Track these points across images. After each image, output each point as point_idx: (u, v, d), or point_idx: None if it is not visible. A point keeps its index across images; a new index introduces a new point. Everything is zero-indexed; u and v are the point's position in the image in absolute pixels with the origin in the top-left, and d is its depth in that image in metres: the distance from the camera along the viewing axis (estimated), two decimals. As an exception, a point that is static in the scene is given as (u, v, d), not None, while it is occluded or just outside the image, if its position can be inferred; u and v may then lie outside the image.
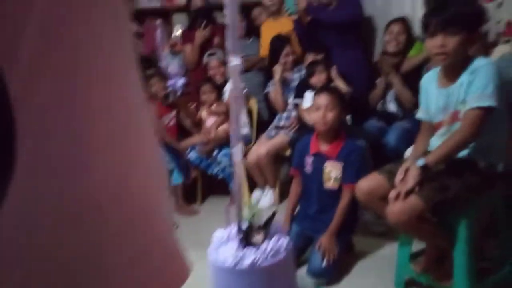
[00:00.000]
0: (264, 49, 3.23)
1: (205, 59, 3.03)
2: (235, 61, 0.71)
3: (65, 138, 0.33)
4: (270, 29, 3.19)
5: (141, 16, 3.45)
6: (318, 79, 2.57)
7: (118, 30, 0.39)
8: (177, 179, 2.81)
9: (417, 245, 1.73)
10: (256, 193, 2.86)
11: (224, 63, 2.97)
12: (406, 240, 1.67)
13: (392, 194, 1.43)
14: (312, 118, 1.92)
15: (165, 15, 3.53)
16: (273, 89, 2.92)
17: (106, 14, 0.37)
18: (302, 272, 1.86)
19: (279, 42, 2.94)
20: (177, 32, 3.45)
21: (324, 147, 1.94)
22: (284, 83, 2.92)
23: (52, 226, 0.33)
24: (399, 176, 1.50)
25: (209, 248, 0.93)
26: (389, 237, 2.05)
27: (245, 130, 2.97)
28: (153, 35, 3.45)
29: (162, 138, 2.95)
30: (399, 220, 1.40)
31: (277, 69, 2.85)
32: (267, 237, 0.90)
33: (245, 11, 3.46)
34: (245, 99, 3.07)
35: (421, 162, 1.42)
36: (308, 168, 1.98)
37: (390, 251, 1.93)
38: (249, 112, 3.12)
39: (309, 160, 1.97)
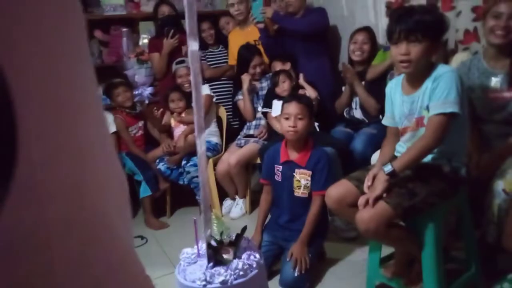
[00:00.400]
0: (232, 58, 3.22)
1: (174, 67, 2.98)
2: (193, 46, 0.69)
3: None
4: (237, 37, 3.19)
5: (107, 24, 3.36)
6: (282, 88, 2.59)
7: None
8: (145, 191, 2.73)
9: (386, 250, 1.75)
10: (227, 203, 2.83)
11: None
12: (375, 245, 1.68)
13: (361, 201, 1.45)
14: (282, 126, 1.91)
15: (131, 23, 3.44)
16: (242, 98, 2.91)
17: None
18: (274, 283, 1.84)
19: (247, 52, 2.95)
20: (144, 40, 3.38)
21: (293, 155, 1.93)
22: (253, 91, 2.92)
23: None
24: (367, 183, 1.52)
25: (176, 268, 0.89)
26: (360, 243, 2.07)
27: (214, 139, 2.94)
28: (119, 43, 3.36)
29: (129, 149, 2.87)
30: (369, 227, 1.41)
31: (245, 78, 2.85)
32: (238, 254, 0.87)
33: (213, 20, 3.45)
34: (214, 108, 3.05)
35: (388, 168, 1.44)
36: (278, 176, 1.97)
37: (361, 256, 1.95)
38: (219, 121, 3.10)
39: (279, 168, 1.96)
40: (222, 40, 3.43)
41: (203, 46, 3.35)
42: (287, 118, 1.87)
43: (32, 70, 0.30)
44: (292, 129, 1.84)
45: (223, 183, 2.73)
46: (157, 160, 2.78)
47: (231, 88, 3.25)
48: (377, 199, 1.42)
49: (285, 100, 1.97)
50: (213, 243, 0.88)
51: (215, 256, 0.86)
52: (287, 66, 2.79)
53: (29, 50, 0.29)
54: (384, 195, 1.43)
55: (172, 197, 2.87)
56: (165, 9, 3.16)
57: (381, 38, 2.68)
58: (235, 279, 0.81)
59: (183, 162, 2.72)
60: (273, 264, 1.94)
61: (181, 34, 3.17)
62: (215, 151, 2.87)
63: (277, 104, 2.56)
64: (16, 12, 0.28)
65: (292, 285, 1.79)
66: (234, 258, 0.86)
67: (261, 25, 2.97)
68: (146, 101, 3.27)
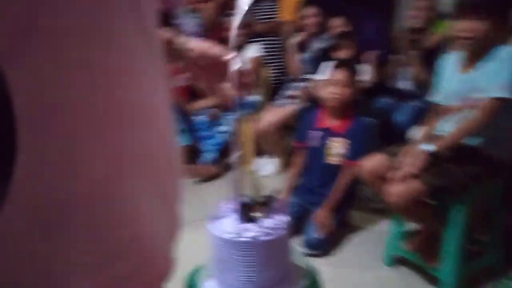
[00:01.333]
0: (285, 12, 3.14)
1: (223, 19, 2.97)
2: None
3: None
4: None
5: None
6: (343, 53, 2.50)
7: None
8: (183, 141, 2.85)
9: (410, 224, 1.77)
10: (261, 160, 2.90)
11: (243, 24, 2.91)
12: (399, 218, 1.71)
13: (395, 175, 1.46)
14: (326, 92, 1.90)
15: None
16: (291, 54, 2.88)
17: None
18: (297, 242, 1.93)
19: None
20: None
21: (332, 123, 1.94)
22: (304, 49, 2.85)
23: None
24: (404, 159, 1.51)
25: (210, 219, 0.97)
26: (385, 214, 2.10)
27: (255, 96, 2.97)
28: (169, -9, 3.36)
29: (172, 98, 2.96)
30: (397, 202, 1.43)
31: (298, 33, 2.79)
32: (268, 214, 0.93)
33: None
34: (260, 65, 3.04)
35: (429, 147, 1.42)
36: (313, 142, 1.99)
37: (385, 228, 1.98)
38: (262, 79, 3.10)
39: (314, 134, 1.98)
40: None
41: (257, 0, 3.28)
42: (332, 84, 1.86)
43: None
44: (337, 96, 1.83)
45: (261, 140, 2.78)
46: (200, 111, 2.87)
47: (279, 45, 3.20)
48: (411, 176, 1.43)
49: (336, 65, 1.94)
50: (247, 200, 0.95)
51: (247, 213, 0.92)
52: (347, 26, 2.67)
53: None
54: (419, 173, 1.43)
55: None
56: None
57: (445, 7, 2.51)
58: (263, 236, 0.88)
59: (223, 114, 2.79)
60: (298, 225, 2.02)
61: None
62: (254, 108, 2.90)
63: (326, 67, 2.52)
64: None
65: (313, 247, 1.87)
66: (265, 217, 0.92)
67: None
68: (193, 52, 3.30)
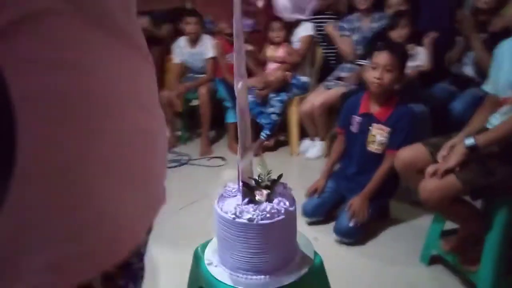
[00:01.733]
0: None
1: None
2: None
3: None
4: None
5: None
6: (398, 33, 2.35)
7: None
8: (231, 118, 2.89)
9: (451, 223, 1.65)
10: (306, 142, 2.86)
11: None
12: (440, 216, 1.60)
13: (430, 169, 1.36)
14: (367, 76, 1.81)
15: None
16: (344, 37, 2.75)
17: None
18: (329, 228, 1.90)
19: None
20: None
21: (374, 109, 1.84)
22: (358, 30, 2.72)
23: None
24: (442, 152, 1.40)
25: (216, 198, 0.99)
26: (428, 209, 1.97)
27: (303, 77, 2.91)
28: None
29: (223, 75, 3.01)
30: (430, 198, 1.34)
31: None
32: (271, 198, 0.93)
33: None
34: (311, 44, 2.96)
35: (470, 141, 1.30)
36: (354, 127, 1.91)
37: (425, 223, 1.86)
38: (313, 58, 3.02)
39: (356, 119, 1.90)
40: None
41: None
42: (374, 68, 1.76)
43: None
44: (377, 81, 1.73)
45: (305, 122, 2.74)
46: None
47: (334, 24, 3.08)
48: (448, 171, 1.32)
49: (377, 48, 1.83)
50: (251, 182, 0.95)
51: (249, 195, 0.93)
52: (404, 5, 2.50)
53: None
54: (457, 168, 1.32)
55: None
56: None
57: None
58: (261, 219, 0.88)
59: (271, 95, 2.78)
60: (333, 210, 1.98)
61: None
62: (302, 89, 2.85)
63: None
64: None
65: (344, 234, 1.83)
66: (267, 200, 0.92)
67: None
68: (248, 29, 3.30)
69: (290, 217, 0.93)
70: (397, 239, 1.87)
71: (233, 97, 3.01)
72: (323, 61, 3.03)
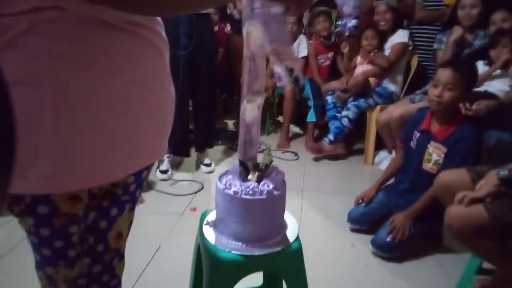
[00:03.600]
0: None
1: (374, 3, 2.89)
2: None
3: None
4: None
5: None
6: (499, 52, 2.16)
7: None
8: (311, 117, 3.00)
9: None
10: (382, 153, 2.80)
11: (392, 9, 2.79)
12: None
13: (460, 195, 1.30)
14: (429, 93, 1.74)
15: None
16: (444, 48, 2.61)
17: None
18: (367, 239, 1.89)
19: None
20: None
21: (434, 126, 1.76)
22: (460, 45, 2.55)
23: None
24: (482, 181, 1.32)
25: (222, 173, 1.16)
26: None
27: (392, 87, 2.84)
28: (339, -29, 3.42)
29: (312, 75, 3.12)
30: (453, 224, 1.28)
31: (457, 29, 2.51)
32: (261, 179, 1.07)
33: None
34: (407, 55, 2.87)
35: (503, 172, 1.21)
36: (413, 143, 1.86)
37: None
38: (407, 69, 2.92)
39: (416, 135, 1.84)
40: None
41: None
42: (435, 85, 1.68)
43: None
44: (436, 99, 1.66)
45: (381, 133, 2.69)
46: (329, 92, 2.95)
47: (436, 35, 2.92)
48: (476, 200, 1.25)
49: (441, 64, 1.74)
50: (249, 164, 1.10)
51: (243, 174, 1.08)
52: (509, 22, 2.28)
53: None
54: (488, 199, 1.24)
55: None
56: None
57: None
58: (244, 194, 1.02)
59: (350, 99, 2.79)
60: (378, 222, 1.96)
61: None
62: (386, 99, 2.79)
63: (479, 67, 2.21)
64: None
65: (379, 247, 1.80)
66: (256, 181, 1.06)
67: None
68: (347, 33, 3.33)
69: (272, 198, 1.04)
70: (438, 266, 1.77)
71: (316, 97, 3.13)
72: (419, 71, 2.90)
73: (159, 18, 0.72)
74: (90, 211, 0.73)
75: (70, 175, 0.62)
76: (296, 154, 2.98)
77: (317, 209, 2.25)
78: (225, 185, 1.05)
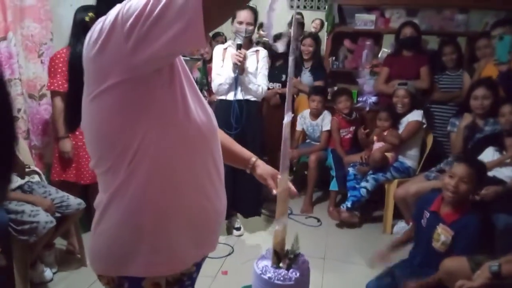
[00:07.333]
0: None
1: (395, 86, 3.20)
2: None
3: None
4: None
5: (356, 35, 3.87)
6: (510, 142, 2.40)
7: None
8: (334, 186, 3.26)
9: None
10: (400, 224, 3.00)
11: (411, 95, 3.10)
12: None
13: (459, 283, 1.50)
14: (444, 181, 1.98)
15: (377, 35, 3.81)
16: (456, 131, 2.88)
17: None
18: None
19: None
20: (383, 54, 3.70)
21: (443, 209, 1.98)
22: (472, 130, 2.80)
23: None
24: (478, 272, 1.52)
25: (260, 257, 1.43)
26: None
27: (409, 162, 3.08)
28: (361, 53, 3.82)
29: (335, 146, 3.42)
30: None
31: (467, 116, 2.78)
32: (290, 266, 1.34)
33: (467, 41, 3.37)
34: (422, 133, 3.13)
35: (495, 267, 1.42)
36: (424, 221, 2.08)
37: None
38: (424, 145, 3.17)
39: (426, 215, 2.06)
40: (463, 63, 3.33)
41: (442, 68, 3.34)
42: (451, 177, 1.92)
43: None
44: (452, 189, 1.88)
45: (399, 205, 2.90)
46: (351, 164, 3.22)
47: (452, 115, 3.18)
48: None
49: (457, 159, 1.99)
50: (281, 252, 1.38)
51: (276, 261, 1.36)
52: None
53: None
54: (483, 291, 1.43)
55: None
56: (407, 31, 3.33)
57: None
58: (277, 280, 1.29)
59: (369, 172, 3.05)
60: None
61: (419, 54, 3.32)
62: (404, 173, 3.03)
63: (489, 152, 2.42)
64: None
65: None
66: (286, 268, 1.33)
67: (503, 68, 2.72)
68: (367, 108, 3.66)
69: (298, 283, 1.31)
70: None
71: (338, 168, 3.40)
72: (435, 146, 3.15)
73: None
74: None
75: (156, 264, 0.90)
76: (318, 220, 3.22)
77: (338, 278, 2.45)
78: (261, 270, 1.33)
